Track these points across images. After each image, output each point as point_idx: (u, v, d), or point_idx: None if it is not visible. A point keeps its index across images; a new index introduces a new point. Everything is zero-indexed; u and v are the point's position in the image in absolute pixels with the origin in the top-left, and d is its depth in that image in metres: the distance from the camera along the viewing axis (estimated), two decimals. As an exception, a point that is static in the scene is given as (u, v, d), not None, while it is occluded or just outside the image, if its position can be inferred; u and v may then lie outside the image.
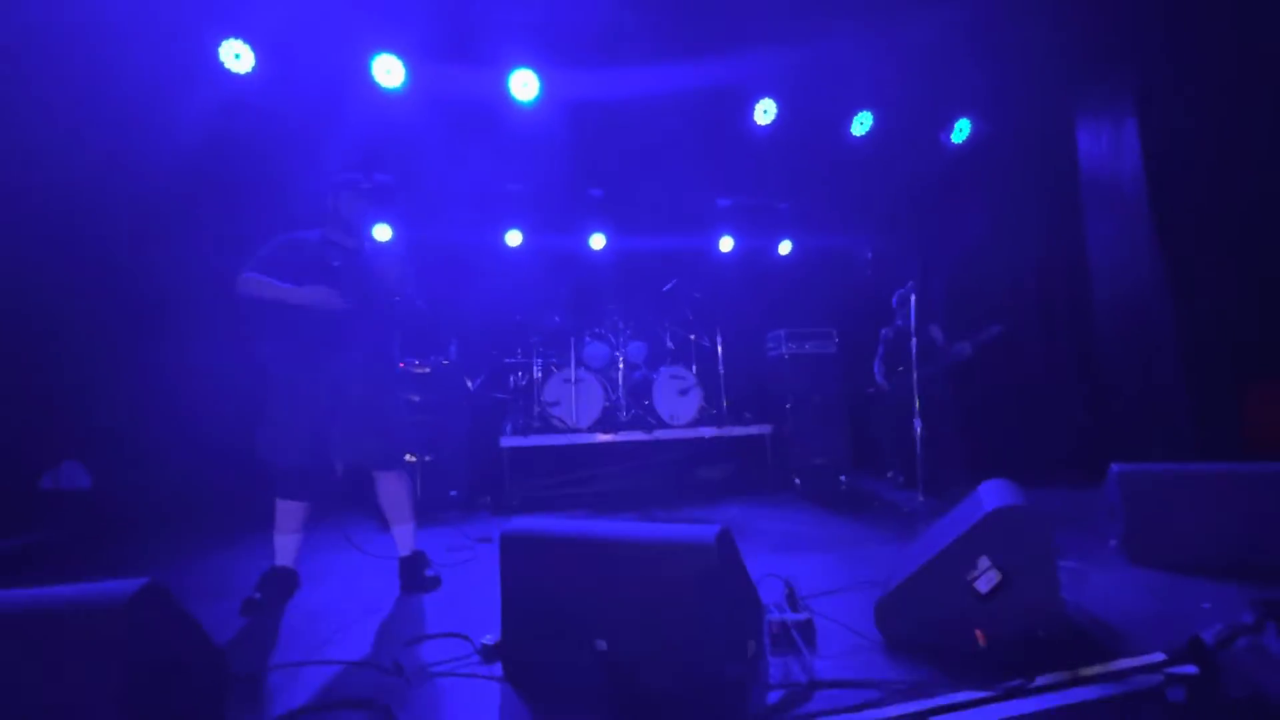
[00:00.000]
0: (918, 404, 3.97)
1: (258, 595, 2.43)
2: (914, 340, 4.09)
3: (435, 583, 2.65)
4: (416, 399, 4.66)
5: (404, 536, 2.69)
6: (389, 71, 4.25)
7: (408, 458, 2.75)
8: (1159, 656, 1.70)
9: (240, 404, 5.08)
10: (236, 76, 4.05)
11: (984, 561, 1.80)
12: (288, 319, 2.46)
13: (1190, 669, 1.48)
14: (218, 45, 3.97)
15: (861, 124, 5.44)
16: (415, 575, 2.64)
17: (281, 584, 2.52)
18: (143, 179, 4.44)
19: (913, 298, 4.22)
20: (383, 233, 5.72)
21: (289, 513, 2.55)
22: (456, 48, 4.37)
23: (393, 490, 2.66)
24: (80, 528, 3.81)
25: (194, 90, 4.16)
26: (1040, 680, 1.60)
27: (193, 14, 3.86)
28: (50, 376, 4.20)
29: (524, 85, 4.54)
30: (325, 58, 4.26)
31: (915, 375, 4.04)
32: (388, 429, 2.61)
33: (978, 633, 1.78)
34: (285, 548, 2.56)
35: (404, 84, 4.32)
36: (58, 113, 3.94)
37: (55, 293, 4.20)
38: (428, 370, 4.82)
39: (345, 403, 2.50)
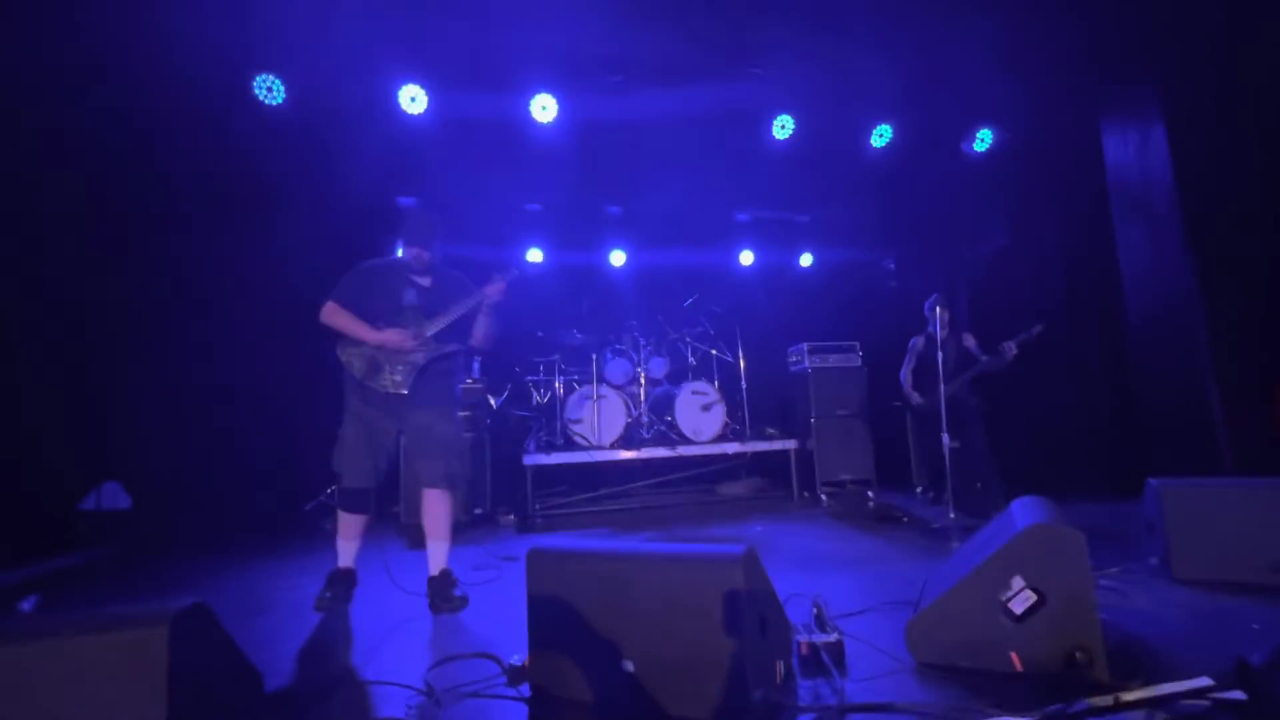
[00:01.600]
0: (946, 417, 3.89)
1: (328, 594, 2.70)
2: (940, 353, 4.03)
3: (463, 602, 2.72)
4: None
5: (437, 553, 2.82)
6: (414, 99, 4.38)
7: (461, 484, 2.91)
8: (1205, 681, 1.64)
9: (278, 424, 5.24)
10: (269, 108, 4.21)
11: (1018, 581, 1.76)
12: (359, 348, 2.72)
13: (1238, 695, 1.42)
14: (252, 80, 4.14)
15: (881, 136, 5.44)
16: (443, 593, 2.74)
17: (345, 582, 2.77)
18: (182, 202, 4.63)
19: (938, 308, 4.18)
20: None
21: (350, 523, 2.79)
22: (478, 75, 4.50)
23: (436, 508, 2.83)
24: (121, 548, 3.92)
25: (231, 120, 4.34)
26: (1080, 705, 1.56)
27: (230, 52, 4.03)
28: (90, 399, 4.35)
29: (543, 108, 4.64)
30: (353, 89, 4.41)
31: (944, 387, 3.97)
32: (444, 454, 2.80)
33: (1013, 655, 1.74)
34: (346, 551, 2.81)
35: (427, 110, 4.45)
36: (103, 141, 4.14)
37: (90, 316, 4.36)
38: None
39: (408, 428, 2.78)
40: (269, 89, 4.15)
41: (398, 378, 2.71)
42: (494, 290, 2.84)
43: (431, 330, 2.77)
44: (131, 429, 4.46)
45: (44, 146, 3.95)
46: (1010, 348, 4.19)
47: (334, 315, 2.71)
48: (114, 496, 4.28)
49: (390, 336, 2.69)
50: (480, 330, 2.90)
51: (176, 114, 4.24)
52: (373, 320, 2.72)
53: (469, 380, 5.11)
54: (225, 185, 4.76)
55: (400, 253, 2.91)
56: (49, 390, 4.09)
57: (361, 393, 2.73)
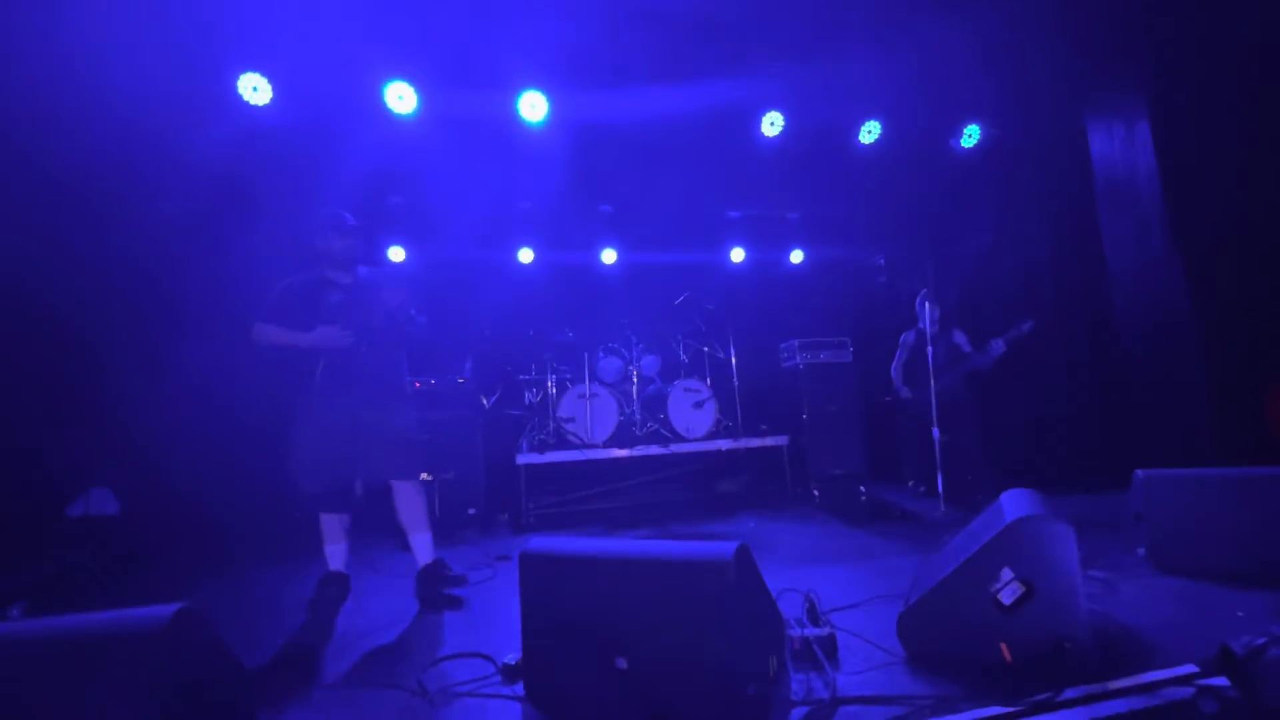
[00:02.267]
0: (937, 412, 3.94)
1: (319, 597, 2.68)
2: (931, 348, 4.07)
3: (453, 599, 2.76)
4: (440, 416, 4.73)
5: (421, 545, 2.84)
6: (401, 98, 4.35)
7: (424, 476, 2.86)
8: (1190, 668, 1.67)
9: (265, 429, 5.19)
10: (255, 108, 4.17)
11: (1007, 573, 1.78)
12: (300, 360, 2.71)
13: (1222, 681, 1.45)
14: (236, 78, 4.10)
15: (870, 132, 5.45)
16: (432, 586, 2.78)
17: (336, 585, 2.75)
18: (168, 205, 4.58)
19: (928, 304, 4.20)
20: (396, 254, 5.81)
21: (331, 525, 2.78)
22: (466, 72, 4.47)
23: (407, 500, 2.83)
24: (110, 554, 3.88)
25: (216, 121, 4.30)
26: (1068, 694, 1.58)
27: (213, 50, 3.99)
28: (77, 404, 4.30)
29: (533, 106, 4.62)
30: (339, 87, 4.38)
31: (934, 383, 4.01)
32: (400, 444, 2.78)
33: (1003, 646, 1.76)
34: (335, 555, 2.79)
35: (416, 109, 4.42)
36: (88, 144, 4.08)
37: (78, 319, 4.31)
38: (433, 384, 4.89)
39: (361, 428, 2.70)
40: (254, 89, 4.10)
41: (340, 390, 2.69)
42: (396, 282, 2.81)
43: (361, 319, 2.73)
44: (120, 435, 4.41)
45: (21, 149, 3.89)
46: (998, 345, 4.20)
47: (263, 334, 2.70)
48: (102, 502, 4.24)
49: (318, 336, 2.67)
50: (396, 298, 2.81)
51: (162, 113, 4.18)
52: (304, 329, 2.68)
53: (459, 380, 5.10)
54: (213, 186, 4.71)
55: (321, 243, 2.83)
56: (36, 395, 4.04)
57: (314, 398, 2.70)
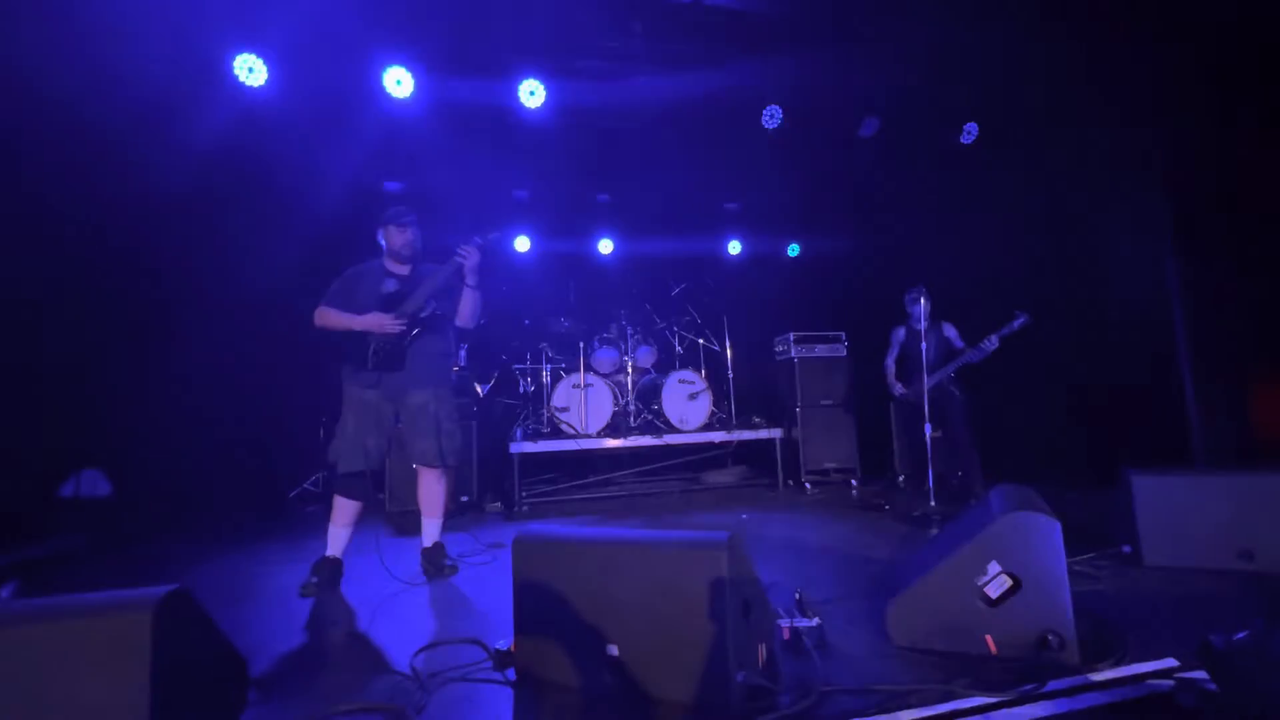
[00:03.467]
0: (928, 408, 3.98)
1: (314, 579, 2.76)
2: (924, 344, 4.08)
3: (453, 570, 2.97)
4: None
5: (431, 528, 3.03)
6: (399, 83, 4.31)
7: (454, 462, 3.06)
8: (1171, 662, 1.70)
9: (261, 411, 5.19)
10: (251, 89, 4.12)
11: (994, 566, 1.81)
12: (354, 342, 2.86)
13: (1201, 675, 1.48)
14: (232, 59, 4.05)
15: (869, 126, 5.44)
16: (435, 562, 2.96)
17: (331, 570, 2.83)
18: (160, 187, 4.52)
19: (923, 299, 4.21)
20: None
21: (344, 509, 2.87)
22: (465, 59, 4.43)
23: (430, 487, 3.00)
24: (101, 535, 3.88)
25: (209, 102, 4.24)
26: (1052, 685, 1.61)
27: (207, 29, 3.94)
28: (69, 385, 4.27)
29: (531, 94, 4.59)
30: (337, 71, 4.33)
31: (926, 378, 4.03)
32: (439, 434, 2.93)
33: (988, 639, 1.79)
34: (337, 539, 2.88)
35: (413, 94, 4.38)
36: (80, 127, 4.03)
37: (71, 302, 4.28)
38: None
39: (405, 409, 2.92)
40: (250, 69, 4.05)
41: (389, 370, 2.86)
42: (466, 253, 2.90)
43: (412, 307, 2.88)
44: (112, 415, 4.39)
45: (14, 133, 3.84)
46: (992, 341, 4.19)
47: (323, 316, 2.87)
48: (93, 483, 4.23)
49: (371, 319, 2.82)
50: (465, 307, 2.99)
51: (151, 97, 4.13)
52: (359, 313, 2.85)
53: (454, 368, 5.08)
54: (206, 171, 4.66)
55: (382, 238, 3.01)
56: (27, 377, 4.01)
57: (359, 380, 2.86)
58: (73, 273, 4.27)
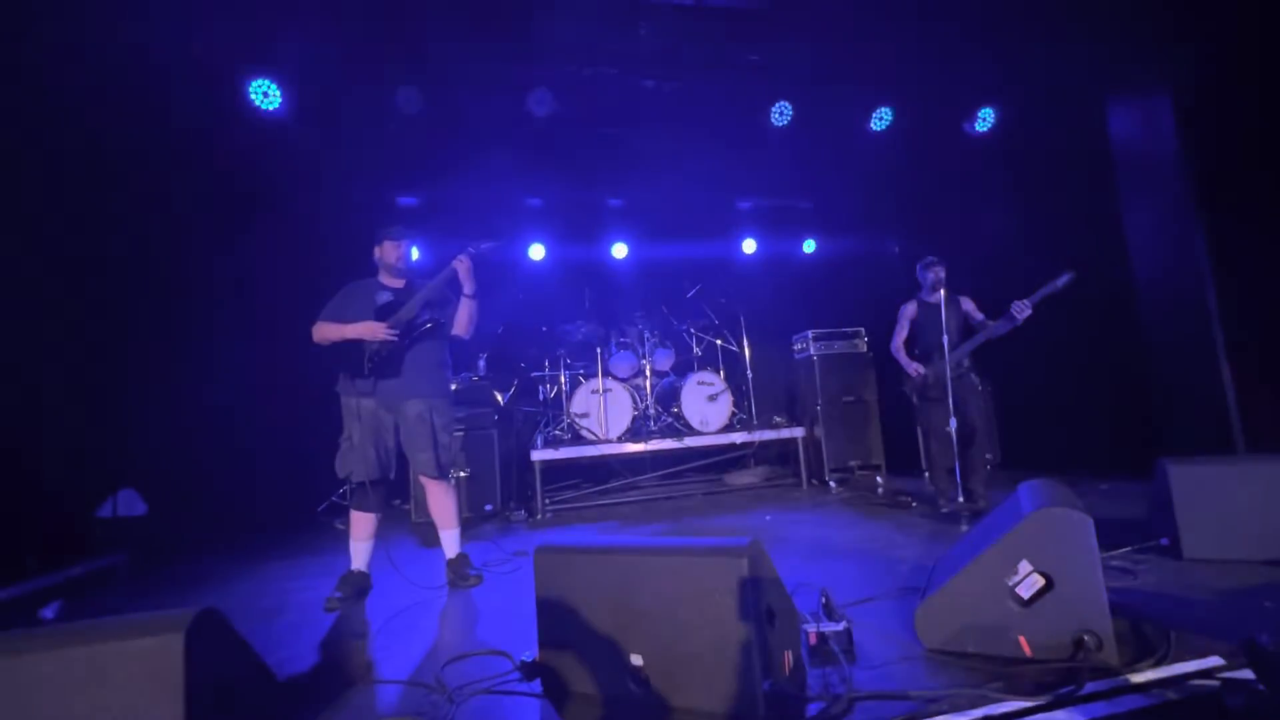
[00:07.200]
0: (952, 400, 3.78)
1: (339, 594, 2.80)
2: (943, 315, 3.71)
3: (479, 579, 2.99)
4: (457, 414, 4.77)
5: (450, 540, 3.05)
6: (409, 100, 4.36)
7: (459, 473, 3.03)
8: (1215, 661, 1.64)
9: (288, 428, 5.28)
10: (265, 112, 4.21)
11: (1025, 565, 1.76)
12: (350, 354, 2.88)
13: (1248, 674, 1.42)
14: (248, 85, 4.14)
15: (880, 119, 5.38)
16: (460, 573, 2.98)
17: (356, 583, 2.88)
18: (186, 210, 4.65)
19: (943, 271, 3.91)
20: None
21: (360, 522, 2.92)
22: (474, 72, 4.47)
23: (438, 498, 3.02)
24: (138, 553, 3.98)
25: (229, 126, 4.35)
26: (1090, 687, 1.56)
27: (224, 57, 4.04)
28: (106, 408, 4.40)
29: (540, 102, 4.62)
30: (348, 90, 4.41)
31: (949, 356, 3.72)
32: (434, 444, 2.93)
33: (1021, 639, 1.74)
34: (359, 553, 2.93)
35: (424, 109, 4.44)
36: (108, 152, 4.16)
37: (106, 324, 4.40)
38: (456, 386, 4.92)
39: (404, 419, 2.92)
40: (265, 94, 4.15)
41: (384, 379, 2.88)
42: (458, 265, 2.93)
43: (405, 315, 2.91)
44: (146, 436, 4.50)
45: (50, 159, 3.96)
46: (1023, 307, 3.64)
47: (319, 330, 2.92)
48: (130, 503, 4.34)
49: (362, 326, 2.86)
50: (462, 315, 3.02)
51: (179, 119, 4.24)
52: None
53: (474, 378, 5.13)
54: (231, 190, 4.79)
55: (378, 253, 3.04)
56: (65, 401, 4.13)
57: (355, 388, 2.88)
58: (107, 297, 4.39)
